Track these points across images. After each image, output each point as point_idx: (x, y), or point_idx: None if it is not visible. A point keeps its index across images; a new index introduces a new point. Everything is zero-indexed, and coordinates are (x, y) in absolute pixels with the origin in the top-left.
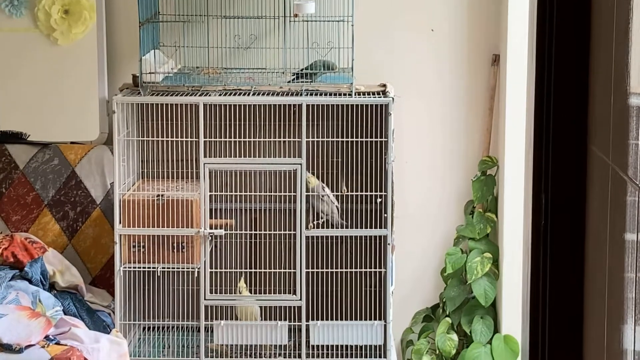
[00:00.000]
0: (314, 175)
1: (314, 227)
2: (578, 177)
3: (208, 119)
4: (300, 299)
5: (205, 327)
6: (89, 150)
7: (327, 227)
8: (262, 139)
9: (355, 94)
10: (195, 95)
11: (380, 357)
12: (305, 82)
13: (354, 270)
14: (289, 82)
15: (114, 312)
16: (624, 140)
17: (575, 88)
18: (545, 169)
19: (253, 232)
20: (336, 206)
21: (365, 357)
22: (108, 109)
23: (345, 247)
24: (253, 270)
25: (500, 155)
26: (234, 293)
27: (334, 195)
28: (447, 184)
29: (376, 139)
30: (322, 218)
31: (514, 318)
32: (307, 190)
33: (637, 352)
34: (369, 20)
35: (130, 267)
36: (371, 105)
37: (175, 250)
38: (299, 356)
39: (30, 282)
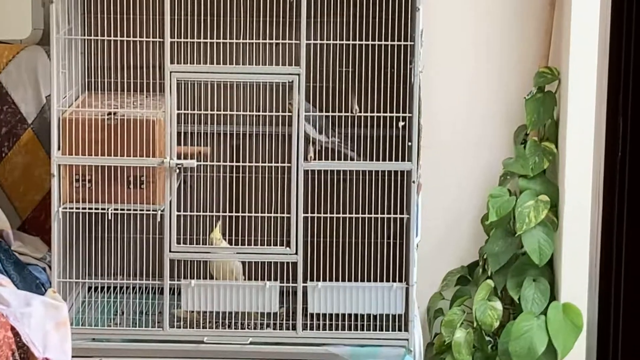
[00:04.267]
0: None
1: (314, 159)
2: None
3: (176, 13)
4: (296, 253)
5: (170, 288)
6: (18, 52)
7: (333, 159)
8: (248, 41)
9: None
10: None
11: (399, 329)
12: None
13: (366, 215)
14: None
15: (50, 267)
16: None
17: None
18: (624, 85)
19: (234, 163)
20: (334, 141)
21: (381, 329)
22: None
23: (356, 185)
24: (234, 214)
25: (563, 65)
26: (208, 244)
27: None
28: (492, 102)
29: (399, 43)
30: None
31: (578, 281)
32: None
33: None
34: None
35: (72, 208)
36: None
37: (131, 187)
38: (294, 327)
39: None
